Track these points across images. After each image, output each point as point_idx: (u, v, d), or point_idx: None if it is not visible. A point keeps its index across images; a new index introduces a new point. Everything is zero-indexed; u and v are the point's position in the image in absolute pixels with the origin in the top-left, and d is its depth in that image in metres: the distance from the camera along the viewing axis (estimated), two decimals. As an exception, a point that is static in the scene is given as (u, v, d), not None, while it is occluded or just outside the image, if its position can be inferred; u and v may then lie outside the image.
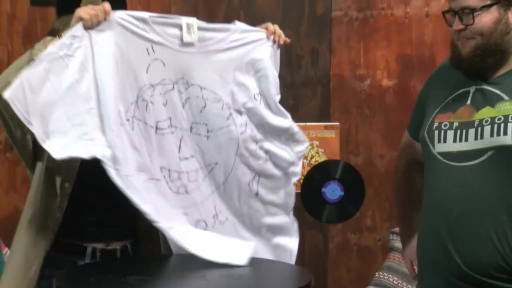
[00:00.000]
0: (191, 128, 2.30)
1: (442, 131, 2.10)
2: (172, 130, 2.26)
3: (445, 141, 2.09)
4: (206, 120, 2.31)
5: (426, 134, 2.14)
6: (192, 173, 2.31)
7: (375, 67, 3.53)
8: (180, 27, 2.24)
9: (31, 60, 2.05)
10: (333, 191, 3.25)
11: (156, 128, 2.23)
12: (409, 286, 3.22)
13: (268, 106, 2.39)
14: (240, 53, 2.34)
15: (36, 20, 3.32)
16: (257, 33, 2.38)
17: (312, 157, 3.41)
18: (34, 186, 2.20)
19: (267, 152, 2.39)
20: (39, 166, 2.19)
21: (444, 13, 2.11)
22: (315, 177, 3.27)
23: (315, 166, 3.34)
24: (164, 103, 2.24)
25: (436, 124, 2.12)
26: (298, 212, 3.35)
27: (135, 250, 2.38)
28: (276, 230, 2.45)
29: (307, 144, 2.48)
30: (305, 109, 3.44)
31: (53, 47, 2.04)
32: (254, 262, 2.21)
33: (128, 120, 2.17)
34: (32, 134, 2.05)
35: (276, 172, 2.41)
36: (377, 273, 3.36)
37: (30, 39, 3.23)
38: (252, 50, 2.36)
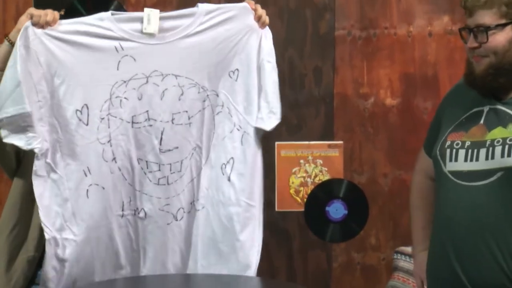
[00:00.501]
0: (172, 120, 2.33)
1: (454, 150, 2.09)
2: (150, 123, 2.31)
3: (456, 160, 2.08)
4: (186, 107, 2.34)
5: (438, 152, 2.13)
6: (176, 164, 2.34)
7: (378, 85, 3.52)
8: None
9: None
10: (336, 210, 3.24)
11: (132, 122, 2.29)
12: (414, 305, 3.20)
13: (245, 81, 2.39)
14: (211, 34, 2.35)
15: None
16: (228, 13, 2.38)
17: (315, 176, 3.40)
18: (11, 203, 2.24)
19: (243, 134, 2.38)
20: (19, 182, 2.24)
21: (460, 30, 2.10)
22: (319, 196, 3.27)
23: (318, 185, 3.34)
24: (139, 97, 2.29)
25: (448, 143, 2.11)
26: (301, 231, 3.38)
27: None
28: (244, 222, 2.39)
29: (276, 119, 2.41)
30: (308, 128, 3.43)
31: (18, 38, 2.17)
32: (258, 281, 2.20)
33: (103, 118, 2.25)
34: (13, 147, 2.16)
35: (248, 155, 2.39)
36: (381, 293, 3.35)
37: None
38: (224, 28, 2.36)
